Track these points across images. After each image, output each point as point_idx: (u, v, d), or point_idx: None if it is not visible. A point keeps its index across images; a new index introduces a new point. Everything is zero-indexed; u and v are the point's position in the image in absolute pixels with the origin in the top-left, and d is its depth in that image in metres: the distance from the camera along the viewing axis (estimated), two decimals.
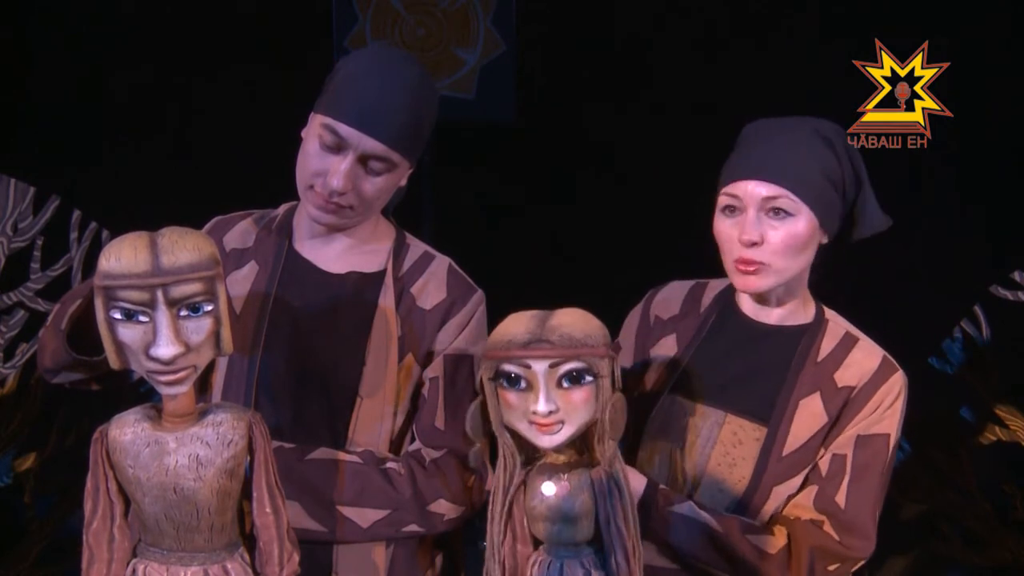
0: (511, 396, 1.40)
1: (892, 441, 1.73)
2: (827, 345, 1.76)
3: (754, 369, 1.77)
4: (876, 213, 1.79)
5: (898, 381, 1.74)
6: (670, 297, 1.88)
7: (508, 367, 1.38)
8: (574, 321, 1.40)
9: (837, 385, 1.73)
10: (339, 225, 1.75)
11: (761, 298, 1.78)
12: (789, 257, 1.70)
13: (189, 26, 3.74)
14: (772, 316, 1.79)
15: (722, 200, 1.74)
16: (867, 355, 1.75)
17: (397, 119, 1.67)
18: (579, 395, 1.38)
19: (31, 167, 3.45)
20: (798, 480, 1.73)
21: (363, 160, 1.68)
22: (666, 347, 1.83)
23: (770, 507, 1.73)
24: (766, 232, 1.69)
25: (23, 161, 3.47)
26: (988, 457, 3.36)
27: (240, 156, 3.57)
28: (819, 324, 1.78)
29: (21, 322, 3.40)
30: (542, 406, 1.36)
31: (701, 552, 1.68)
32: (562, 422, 1.38)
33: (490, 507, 1.47)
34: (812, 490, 1.71)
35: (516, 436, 1.44)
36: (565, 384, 1.38)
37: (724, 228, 1.73)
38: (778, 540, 1.68)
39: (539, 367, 1.37)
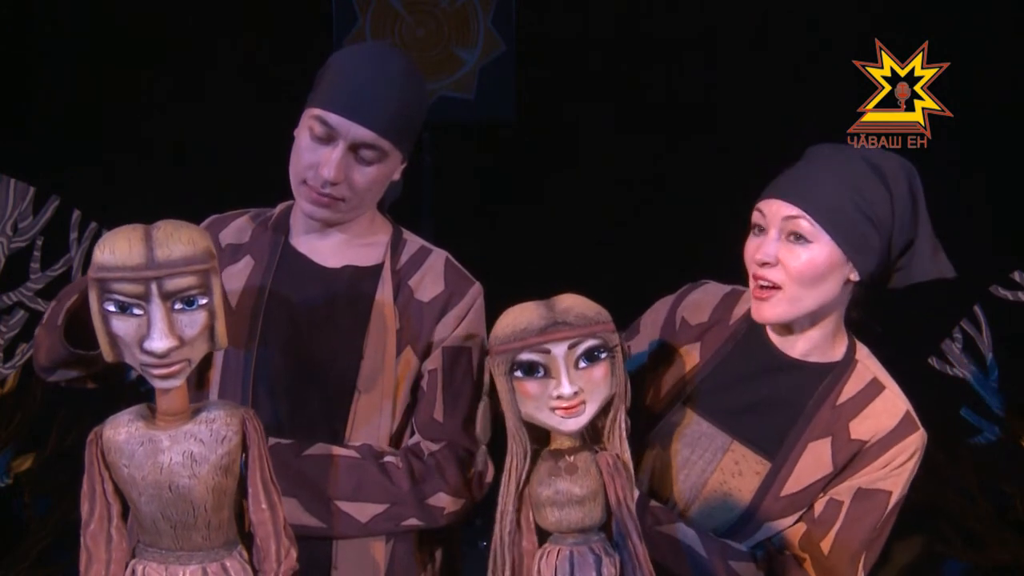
0: (530, 386, 1.41)
1: (894, 499, 1.67)
2: (850, 389, 1.69)
3: (770, 400, 1.72)
4: (926, 260, 1.71)
5: (915, 442, 1.67)
6: (702, 301, 1.82)
7: (525, 356, 1.40)
8: (581, 302, 1.43)
9: (850, 435, 1.66)
10: (333, 219, 1.76)
11: (785, 326, 1.71)
12: (803, 285, 1.63)
13: (189, 26, 3.74)
14: (796, 348, 1.72)
15: (753, 216, 1.69)
16: (888, 410, 1.68)
17: (386, 107, 1.69)
18: (598, 372, 1.41)
19: (31, 167, 3.45)
20: (792, 519, 1.69)
21: (354, 149, 1.69)
22: (688, 355, 1.78)
23: (759, 539, 1.70)
24: (783, 255, 1.63)
25: (23, 161, 3.47)
26: (988, 457, 3.35)
27: (240, 156, 3.57)
28: (847, 364, 1.71)
29: (21, 322, 3.40)
30: (567, 389, 1.39)
31: (682, 572, 1.66)
32: (585, 402, 1.41)
33: (500, 503, 1.47)
34: (800, 528, 1.68)
35: (528, 429, 1.45)
36: (583, 364, 1.40)
37: (749, 246, 1.68)
38: (760, 571, 1.66)
39: (558, 350, 1.39)
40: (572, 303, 1.42)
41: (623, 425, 1.45)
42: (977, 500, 3.27)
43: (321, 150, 1.69)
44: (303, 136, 1.72)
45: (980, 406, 3.36)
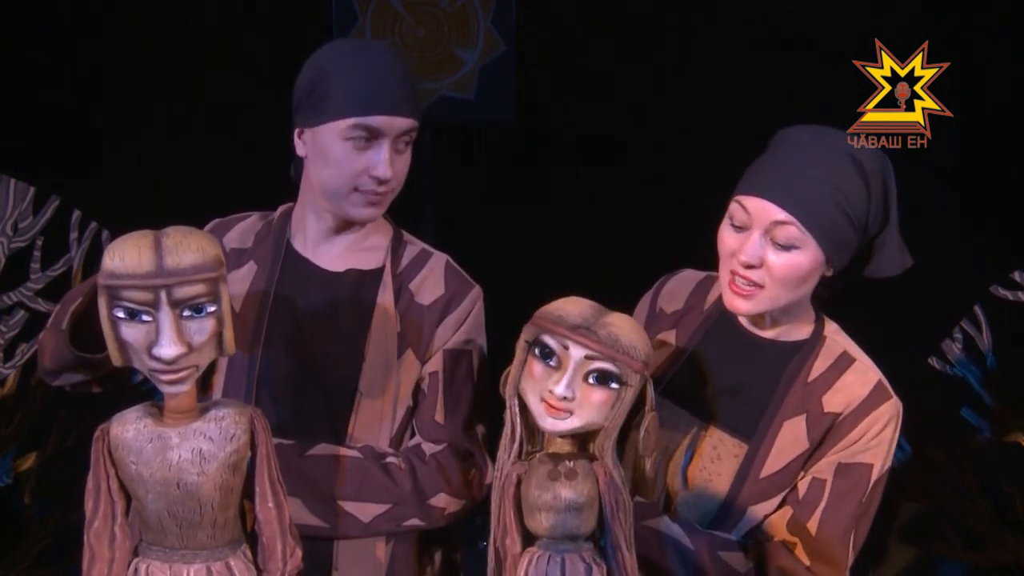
0: (538, 367, 1.42)
1: (876, 472, 1.66)
2: (820, 365, 1.69)
3: (743, 382, 1.72)
4: (893, 255, 1.70)
5: (888, 411, 1.66)
6: (677, 289, 1.84)
7: (549, 339, 1.41)
8: (625, 327, 1.41)
9: (823, 410, 1.66)
10: (378, 216, 1.80)
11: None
12: (786, 288, 1.63)
13: (189, 27, 3.75)
14: (766, 329, 1.74)
15: (732, 208, 1.65)
16: (859, 380, 1.68)
17: (407, 91, 1.73)
18: (599, 396, 1.40)
19: (31, 167, 3.45)
20: (776, 500, 1.68)
21: (395, 142, 1.72)
22: (665, 344, 1.80)
23: (746, 524, 1.69)
24: (767, 257, 1.61)
25: (23, 161, 3.47)
26: (988, 457, 3.35)
27: (240, 156, 3.58)
28: (815, 341, 1.71)
29: (21, 322, 3.39)
30: (561, 388, 1.38)
31: (671, 568, 1.65)
32: (571, 412, 1.40)
33: (495, 481, 1.47)
34: (787, 512, 1.67)
35: (524, 414, 1.45)
36: (591, 380, 1.39)
37: (727, 240, 1.65)
38: (749, 559, 1.66)
39: (576, 353, 1.39)
40: (617, 322, 1.41)
41: (612, 454, 1.43)
42: (977, 500, 3.27)
43: (365, 155, 1.71)
44: (336, 148, 1.71)
45: (980, 406, 3.36)
